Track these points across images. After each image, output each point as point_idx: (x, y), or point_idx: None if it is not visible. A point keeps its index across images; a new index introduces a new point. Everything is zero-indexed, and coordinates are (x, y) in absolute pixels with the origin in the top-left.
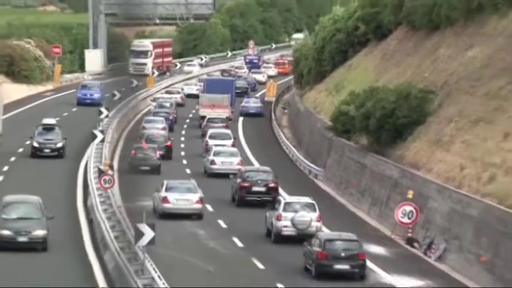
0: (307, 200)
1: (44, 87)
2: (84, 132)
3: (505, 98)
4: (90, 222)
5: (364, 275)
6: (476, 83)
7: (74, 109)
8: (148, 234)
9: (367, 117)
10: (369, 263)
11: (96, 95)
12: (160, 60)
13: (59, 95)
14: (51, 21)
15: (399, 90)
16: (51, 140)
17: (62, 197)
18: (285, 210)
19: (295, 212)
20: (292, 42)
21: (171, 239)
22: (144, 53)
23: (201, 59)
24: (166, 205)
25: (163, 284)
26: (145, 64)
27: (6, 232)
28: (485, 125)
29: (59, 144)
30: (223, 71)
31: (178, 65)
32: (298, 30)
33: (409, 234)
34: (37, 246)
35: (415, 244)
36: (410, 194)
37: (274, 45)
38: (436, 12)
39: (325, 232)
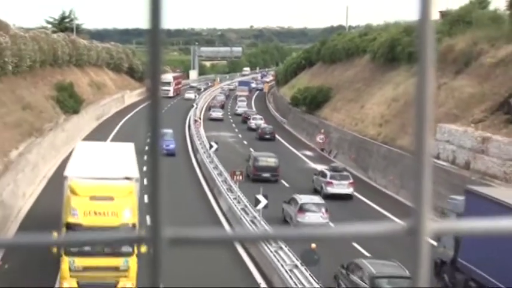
0: (260, 116)
1: None
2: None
3: (362, 91)
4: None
5: (274, 138)
6: (350, 85)
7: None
8: (215, 146)
9: (305, 99)
10: (302, 157)
11: (172, 146)
12: (177, 87)
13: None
14: (176, 59)
15: (318, 88)
16: None
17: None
18: (252, 120)
19: (256, 120)
20: (243, 72)
21: (224, 149)
22: (167, 83)
23: (201, 86)
24: (211, 116)
25: (222, 167)
26: (168, 90)
27: None
28: (353, 103)
29: None
30: (252, 78)
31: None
32: (277, 63)
33: (322, 147)
34: None
35: (324, 151)
36: (322, 130)
37: (257, 70)
38: (333, 55)
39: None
